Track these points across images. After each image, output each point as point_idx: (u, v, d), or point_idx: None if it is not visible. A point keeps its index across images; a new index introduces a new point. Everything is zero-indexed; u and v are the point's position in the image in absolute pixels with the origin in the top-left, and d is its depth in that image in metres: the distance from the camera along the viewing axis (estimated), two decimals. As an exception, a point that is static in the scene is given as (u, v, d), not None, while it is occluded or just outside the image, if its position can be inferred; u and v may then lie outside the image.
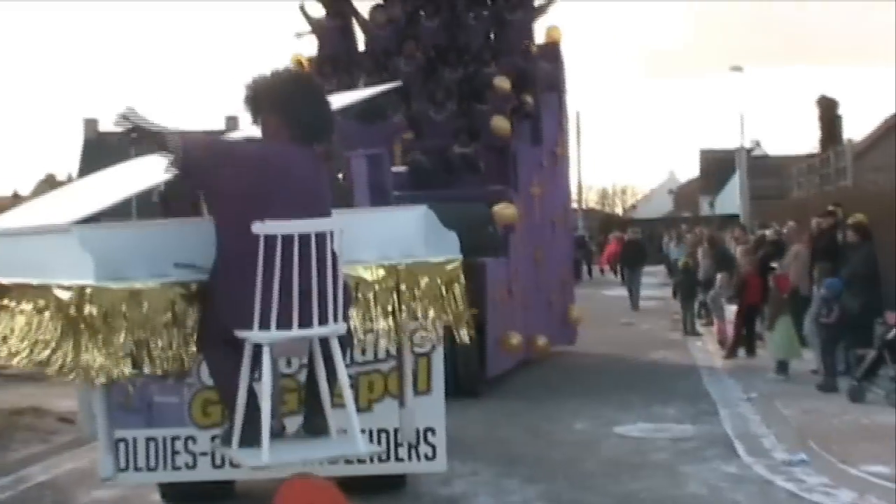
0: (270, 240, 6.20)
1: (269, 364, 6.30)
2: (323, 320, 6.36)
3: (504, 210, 14.94)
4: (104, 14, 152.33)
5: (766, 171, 62.36)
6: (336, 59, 18.85)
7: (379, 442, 8.57)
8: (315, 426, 6.80)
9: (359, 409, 7.47)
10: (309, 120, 6.78)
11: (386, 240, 7.03)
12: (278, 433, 6.66)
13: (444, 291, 7.72)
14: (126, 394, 7.75)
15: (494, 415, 13.80)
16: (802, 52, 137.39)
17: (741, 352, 19.99)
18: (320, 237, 6.40)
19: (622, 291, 34.08)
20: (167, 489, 9.55)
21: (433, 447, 8.43)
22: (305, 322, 6.32)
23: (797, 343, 17.73)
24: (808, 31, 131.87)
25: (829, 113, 63.21)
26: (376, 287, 7.34)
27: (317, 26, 19.42)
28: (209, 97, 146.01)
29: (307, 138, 6.82)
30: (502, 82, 17.97)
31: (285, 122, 6.75)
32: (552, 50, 20.27)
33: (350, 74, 18.13)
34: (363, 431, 6.84)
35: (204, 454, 8.65)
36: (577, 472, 11.44)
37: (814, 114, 62.15)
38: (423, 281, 7.60)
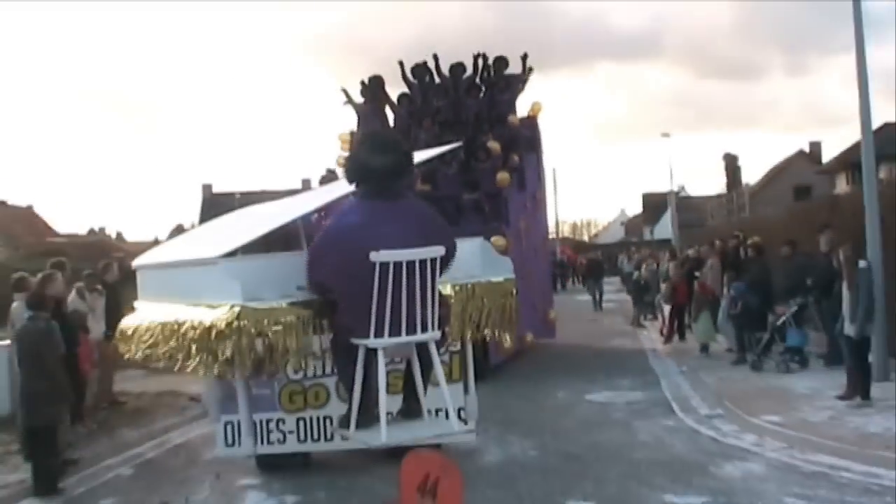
0: (383, 266, 5.68)
1: (382, 364, 5.84)
2: (424, 328, 5.90)
3: (498, 241, 14.93)
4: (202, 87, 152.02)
5: (689, 208, 62.27)
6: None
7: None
8: (414, 410, 6.36)
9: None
10: (378, 168, 6.01)
11: (454, 265, 6.31)
12: (374, 418, 6.05)
13: (502, 304, 7.39)
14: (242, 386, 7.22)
15: (498, 390, 13.83)
16: (711, 121, 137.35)
17: (675, 339, 20.01)
18: (422, 263, 5.81)
19: (588, 297, 34.00)
20: (261, 459, 9.34)
21: (465, 421, 7.77)
22: (411, 329, 5.86)
23: (713, 331, 17.81)
24: (714, 106, 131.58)
25: (731, 164, 63.42)
26: (451, 300, 6.82)
27: (358, 108, 19.48)
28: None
29: (384, 185, 6.04)
30: (495, 145, 18.07)
31: (362, 179, 6.14)
32: (532, 121, 20.29)
33: None
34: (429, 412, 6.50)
35: (291, 432, 8.56)
36: (559, 428, 11.52)
37: (721, 165, 62.21)
38: (487, 296, 7.24)
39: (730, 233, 21.81)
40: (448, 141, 18.04)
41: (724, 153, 64.45)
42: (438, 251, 5.92)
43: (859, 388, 11.38)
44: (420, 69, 20.41)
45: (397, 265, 5.72)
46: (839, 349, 12.43)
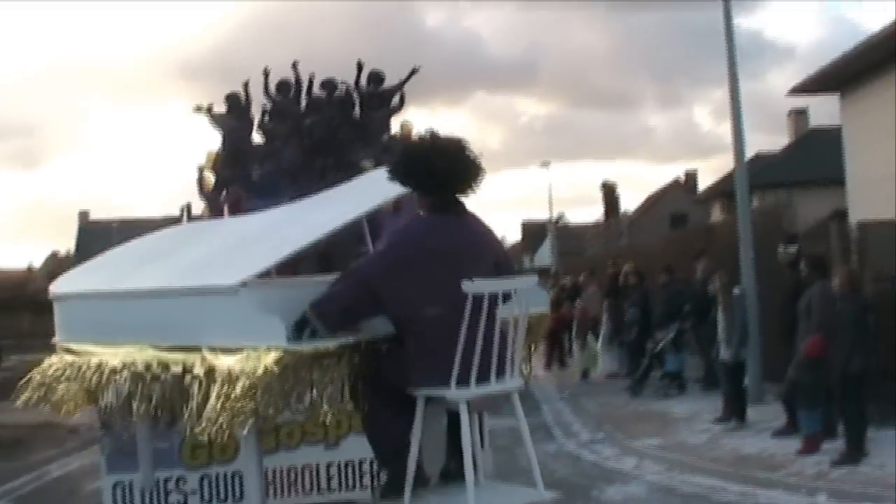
0: (476, 299, 4.71)
1: (467, 421, 4.77)
2: (510, 374, 4.99)
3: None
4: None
5: (568, 236, 63.44)
6: (237, 152, 18.42)
7: (347, 473, 7.46)
8: (455, 473, 5.17)
9: (327, 445, 6.86)
10: (444, 176, 5.01)
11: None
12: (425, 482, 5.12)
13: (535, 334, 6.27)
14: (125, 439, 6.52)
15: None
16: (589, 150, 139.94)
17: (556, 365, 20.32)
18: (508, 296, 4.91)
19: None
20: None
21: None
22: (498, 376, 4.91)
23: (595, 357, 18.17)
24: (591, 135, 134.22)
25: (609, 193, 64.55)
26: None
27: (219, 120, 18.79)
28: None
29: (445, 197, 5.05)
30: (367, 165, 17.63)
31: (419, 190, 5.12)
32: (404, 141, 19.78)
33: (245, 164, 17.87)
34: (332, 465, 6.07)
35: (194, 492, 7.42)
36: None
37: (599, 194, 63.51)
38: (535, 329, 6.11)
39: (608, 261, 22.29)
40: (317, 160, 17.89)
41: (603, 182, 65.72)
42: (532, 282, 5.14)
43: (735, 410, 11.80)
44: (287, 85, 19.63)
45: (492, 298, 4.80)
46: (716, 373, 12.88)
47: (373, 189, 5.81)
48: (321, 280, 5.22)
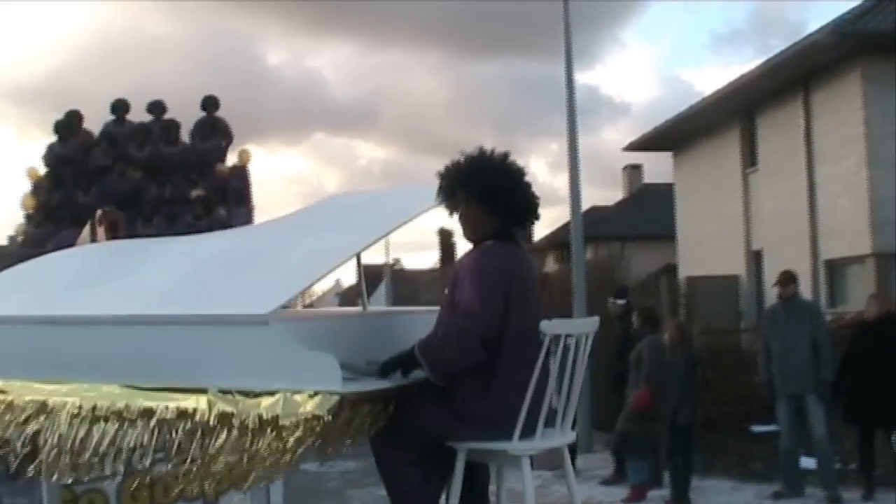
0: (552, 341, 4.34)
1: (529, 477, 4.34)
2: (562, 427, 4.58)
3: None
4: None
5: (404, 280, 63.67)
6: (59, 178, 17.79)
7: None
8: None
9: (206, 502, 5.84)
10: (517, 206, 4.65)
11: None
12: None
13: None
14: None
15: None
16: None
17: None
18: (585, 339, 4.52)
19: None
20: None
21: None
22: (563, 428, 4.57)
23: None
24: (427, 181, 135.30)
25: (446, 240, 65.36)
26: None
27: (47, 151, 18.04)
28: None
29: (516, 224, 4.72)
30: (199, 197, 16.96)
31: (495, 211, 4.60)
32: (241, 170, 19.00)
33: (70, 191, 17.33)
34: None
35: None
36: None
37: (436, 240, 64.26)
38: None
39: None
40: (149, 188, 17.39)
41: (440, 228, 66.56)
42: (596, 323, 4.76)
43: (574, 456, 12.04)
44: (119, 106, 18.83)
45: (567, 341, 4.42)
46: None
47: (370, 214, 5.14)
48: (336, 313, 4.93)
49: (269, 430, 3.87)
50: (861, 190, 20.04)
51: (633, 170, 43.96)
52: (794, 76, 21.91)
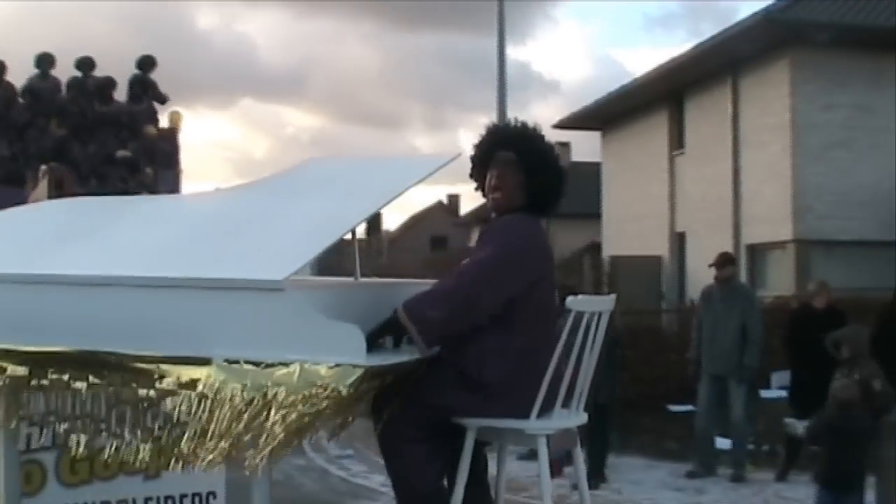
0: (576, 318, 4.12)
1: (545, 459, 4.19)
2: (578, 407, 4.37)
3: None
4: None
5: (328, 251, 63.43)
6: None
7: None
8: None
9: (147, 477, 5.63)
10: (552, 190, 4.48)
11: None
12: None
13: None
14: None
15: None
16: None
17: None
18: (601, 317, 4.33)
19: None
20: None
21: None
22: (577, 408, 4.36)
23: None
24: (356, 151, 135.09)
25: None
26: None
27: None
28: None
29: (541, 206, 4.49)
30: (125, 157, 16.66)
31: (530, 185, 4.39)
32: (171, 133, 18.45)
33: None
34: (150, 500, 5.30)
35: None
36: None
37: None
38: None
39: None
40: (72, 146, 17.02)
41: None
42: (613, 301, 4.59)
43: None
44: (44, 60, 18.24)
45: (590, 318, 4.20)
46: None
47: (365, 183, 4.75)
48: (346, 283, 4.65)
49: (282, 402, 3.65)
50: (784, 177, 20.42)
51: (562, 147, 44.21)
52: (724, 62, 22.22)
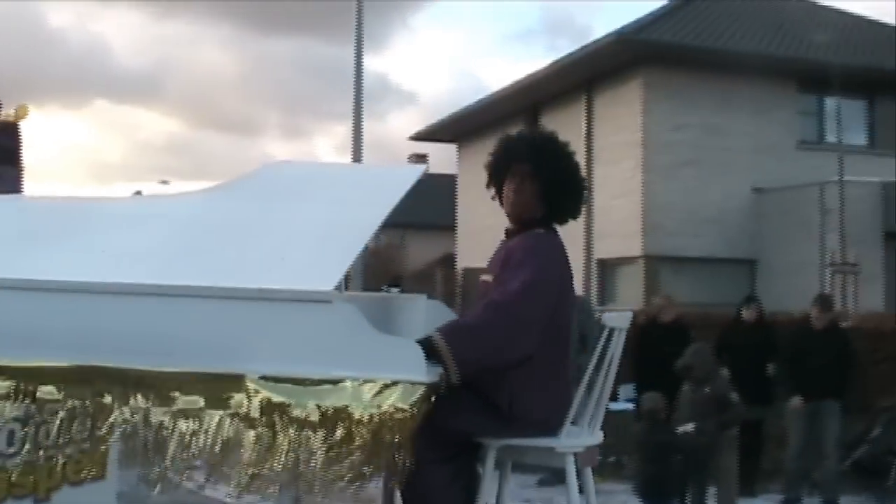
0: (610, 334, 4.13)
1: (573, 475, 4.08)
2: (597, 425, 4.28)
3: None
4: None
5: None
6: None
7: None
8: None
9: (37, 500, 5.19)
10: (569, 205, 4.48)
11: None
12: None
13: None
14: None
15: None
16: (208, 173, 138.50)
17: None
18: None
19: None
20: None
21: None
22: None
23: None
24: (211, 157, 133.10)
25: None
26: None
27: None
28: None
29: (556, 220, 4.49)
30: None
31: (546, 198, 4.38)
32: (12, 127, 16.92)
33: None
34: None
35: None
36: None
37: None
38: None
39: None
40: None
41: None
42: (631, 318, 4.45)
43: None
44: None
45: (619, 334, 4.18)
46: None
47: (360, 191, 4.48)
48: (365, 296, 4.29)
49: (333, 424, 3.36)
50: (635, 194, 20.94)
51: (419, 159, 44.36)
52: (579, 79, 22.70)
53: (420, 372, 3.42)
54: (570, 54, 23.37)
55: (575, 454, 4.07)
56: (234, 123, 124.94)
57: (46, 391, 3.55)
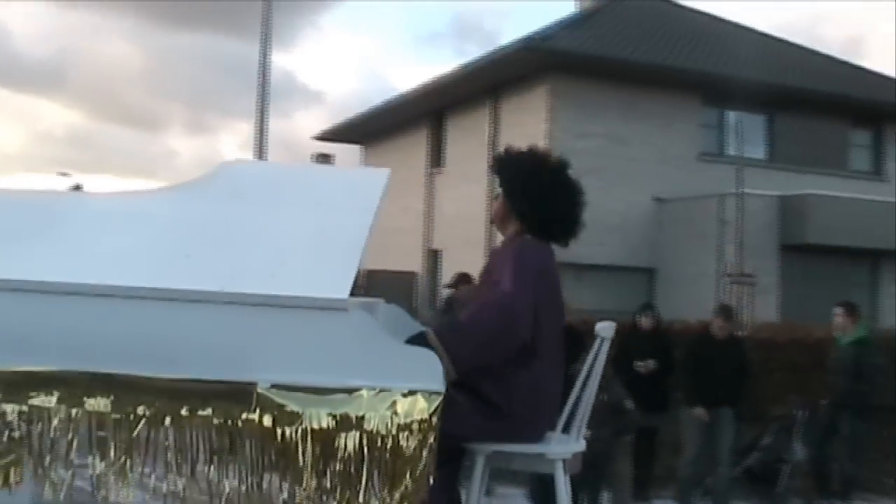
0: (601, 344, 4.24)
1: (562, 480, 4.06)
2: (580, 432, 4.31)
3: None
4: None
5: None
6: None
7: None
8: None
9: None
10: (544, 220, 4.46)
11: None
12: None
13: None
14: None
15: None
16: (109, 166, 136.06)
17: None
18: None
19: None
20: None
21: None
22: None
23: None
24: (113, 151, 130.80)
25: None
26: None
27: None
28: None
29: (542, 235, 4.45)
30: None
31: (514, 211, 4.42)
32: None
33: None
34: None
35: None
36: None
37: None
38: None
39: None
40: None
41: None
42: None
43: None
44: None
45: (606, 344, 4.31)
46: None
47: (344, 193, 4.38)
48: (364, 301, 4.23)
49: (348, 433, 3.28)
50: (539, 200, 21.08)
51: (323, 159, 44.15)
52: (485, 84, 22.82)
53: (437, 381, 3.40)
54: (478, 59, 23.50)
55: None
56: (137, 117, 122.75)
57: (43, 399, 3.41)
